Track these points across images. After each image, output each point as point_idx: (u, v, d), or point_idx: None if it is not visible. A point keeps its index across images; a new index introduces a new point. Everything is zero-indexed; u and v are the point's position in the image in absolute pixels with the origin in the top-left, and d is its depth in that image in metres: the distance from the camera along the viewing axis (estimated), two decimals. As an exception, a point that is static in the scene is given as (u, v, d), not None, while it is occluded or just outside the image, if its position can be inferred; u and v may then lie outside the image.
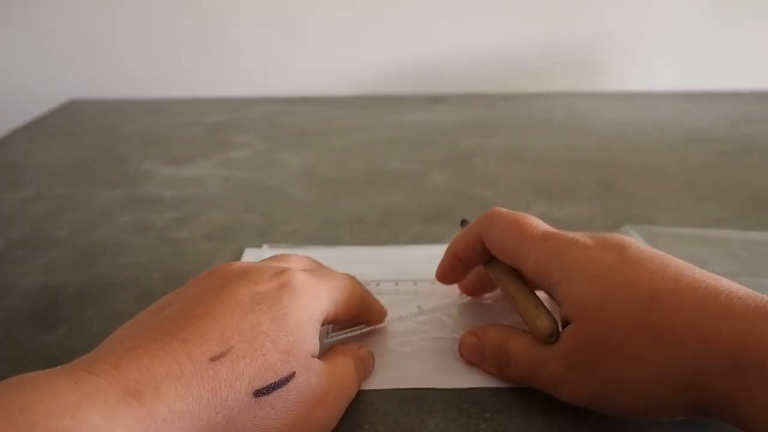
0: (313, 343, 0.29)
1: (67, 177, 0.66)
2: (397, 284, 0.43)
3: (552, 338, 0.30)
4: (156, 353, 0.25)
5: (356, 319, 0.37)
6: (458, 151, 0.72)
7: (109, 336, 0.29)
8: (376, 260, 0.46)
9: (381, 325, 0.38)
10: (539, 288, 0.34)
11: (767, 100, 0.93)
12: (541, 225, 0.34)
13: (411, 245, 0.49)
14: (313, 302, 0.31)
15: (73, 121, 0.89)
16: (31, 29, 1.09)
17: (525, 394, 0.32)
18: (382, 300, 0.39)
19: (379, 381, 0.34)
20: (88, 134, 0.82)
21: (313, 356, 0.29)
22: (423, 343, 0.37)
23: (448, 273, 0.39)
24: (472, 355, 0.35)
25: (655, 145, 0.73)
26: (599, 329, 0.28)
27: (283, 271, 0.31)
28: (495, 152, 0.71)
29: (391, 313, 0.39)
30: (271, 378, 0.27)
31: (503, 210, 0.36)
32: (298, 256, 0.36)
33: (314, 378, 0.28)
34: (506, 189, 0.60)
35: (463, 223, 0.41)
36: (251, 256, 0.47)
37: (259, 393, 0.26)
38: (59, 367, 0.24)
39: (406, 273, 0.44)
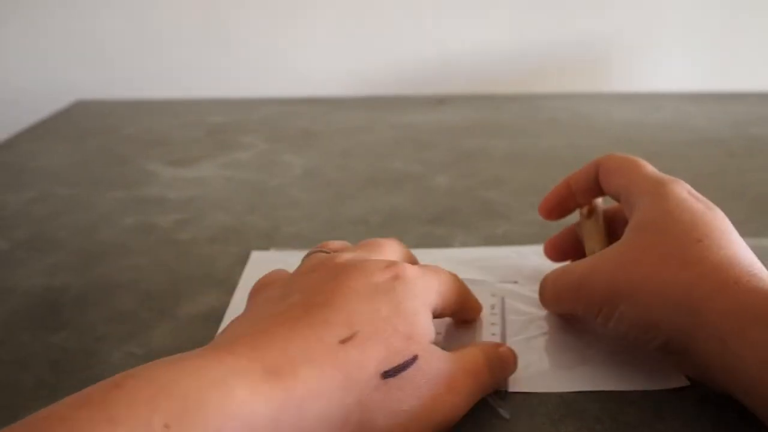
0: (431, 330, 0.30)
1: (70, 178, 0.66)
2: None
3: None
4: (288, 335, 0.26)
5: (456, 315, 0.37)
6: (462, 152, 0.72)
7: (228, 326, 0.30)
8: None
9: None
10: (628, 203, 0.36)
11: (774, 102, 0.92)
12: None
13: (415, 248, 0.48)
14: (424, 293, 0.31)
15: (77, 123, 0.89)
16: (36, 31, 1.09)
17: (531, 400, 0.32)
18: None
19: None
20: (92, 135, 0.82)
21: (431, 341, 0.30)
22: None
23: (551, 202, 0.41)
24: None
25: (661, 147, 0.72)
26: (648, 236, 0.32)
27: (393, 264, 0.32)
28: (500, 153, 0.71)
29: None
30: (396, 360, 0.27)
31: None
32: (390, 243, 0.36)
33: (437, 362, 0.29)
34: (511, 190, 0.60)
35: None
36: (258, 258, 0.47)
37: (387, 375, 0.27)
38: (198, 350, 0.25)
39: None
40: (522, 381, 0.33)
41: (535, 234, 0.50)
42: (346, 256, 0.32)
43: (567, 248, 0.42)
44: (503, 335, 0.37)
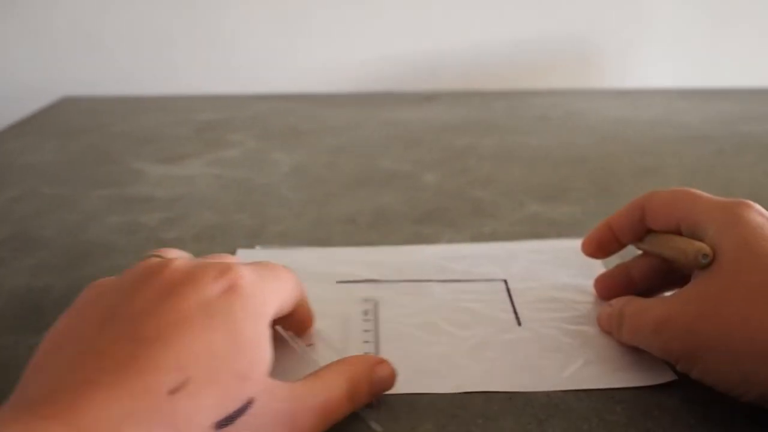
0: (269, 358, 0.28)
1: (55, 176, 0.65)
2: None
3: (705, 259, 0.30)
4: (111, 389, 0.23)
5: (288, 318, 0.34)
6: (452, 150, 0.71)
7: (41, 351, 0.27)
8: (370, 261, 0.45)
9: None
10: (693, 236, 0.33)
11: (764, 98, 0.92)
12: None
13: (405, 246, 0.48)
14: (265, 306, 0.29)
15: (64, 119, 0.88)
16: (23, 26, 1.08)
17: (517, 400, 0.32)
18: (381, 301, 0.40)
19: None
20: (79, 132, 0.81)
21: (268, 372, 0.28)
22: (416, 348, 0.36)
23: (593, 242, 0.39)
24: (606, 323, 0.36)
25: (651, 144, 0.72)
26: (727, 273, 0.29)
27: (228, 269, 0.29)
28: (489, 151, 0.71)
29: (386, 315, 0.39)
30: (231, 407, 0.25)
31: None
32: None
33: (276, 402, 0.27)
34: (500, 189, 0.59)
35: None
36: (244, 257, 0.47)
37: (220, 425, 0.25)
38: (8, 407, 0.23)
39: (400, 274, 0.43)
40: (498, 379, 0.33)
41: (523, 233, 0.50)
42: (180, 264, 0.29)
43: (618, 286, 0.39)
44: (377, 342, 0.37)
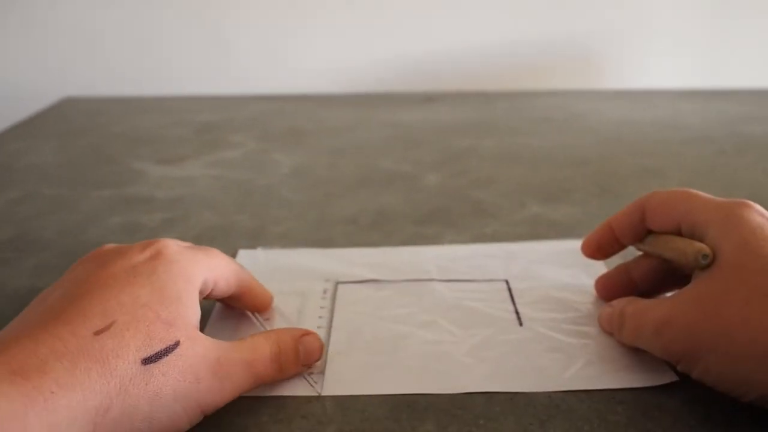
0: (195, 314, 0.30)
1: (56, 177, 0.65)
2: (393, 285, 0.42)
3: (705, 260, 0.30)
4: (39, 336, 0.26)
5: (239, 298, 0.37)
6: (453, 151, 0.71)
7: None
8: (372, 262, 0.45)
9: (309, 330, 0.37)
10: (693, 236, 0.33)
11: (765, 99, 0.92)
12: None
13: (406, 246, 0.48)
14: (189, 270, 0.32)
15: (65, 120, 0.88)
16: (24, 27, 1.08)
17: (519, 400, 0.32)
18: (381, 300, 0.40)
19: (370, 386, 0.33)
20: (80, 133, 0.81)
21: (195, 327, 0.30)
22: (417, 348, 0.36)
23: (593, 243, 0.39)
24: (608, 324, 0.36)
25: (652, 145, 0.72)
26: (727, 274, 0.29)
27: (154, 242, 0.32)
28: (490, 152, 0.71)
29: (387, 313, 0.39)
30: (157, 346, 0.28)
31: None
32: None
33: (200, 348, 0.29)
34: (501, 190, 0.59)
35: None
36: (245, 257, 0.47)
37: (148, 361, 0.27)
38: None
39: (402, 274, 0.43)
40: (493, 380, 0.33)
41: (524, 234, 0.50)
42: (112, 245, 0.33)
43: (618, 287, 0.39)
44: (330, 320, 0.38)
